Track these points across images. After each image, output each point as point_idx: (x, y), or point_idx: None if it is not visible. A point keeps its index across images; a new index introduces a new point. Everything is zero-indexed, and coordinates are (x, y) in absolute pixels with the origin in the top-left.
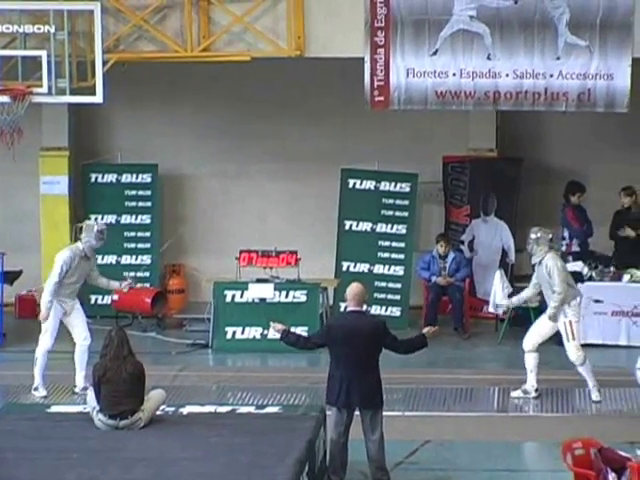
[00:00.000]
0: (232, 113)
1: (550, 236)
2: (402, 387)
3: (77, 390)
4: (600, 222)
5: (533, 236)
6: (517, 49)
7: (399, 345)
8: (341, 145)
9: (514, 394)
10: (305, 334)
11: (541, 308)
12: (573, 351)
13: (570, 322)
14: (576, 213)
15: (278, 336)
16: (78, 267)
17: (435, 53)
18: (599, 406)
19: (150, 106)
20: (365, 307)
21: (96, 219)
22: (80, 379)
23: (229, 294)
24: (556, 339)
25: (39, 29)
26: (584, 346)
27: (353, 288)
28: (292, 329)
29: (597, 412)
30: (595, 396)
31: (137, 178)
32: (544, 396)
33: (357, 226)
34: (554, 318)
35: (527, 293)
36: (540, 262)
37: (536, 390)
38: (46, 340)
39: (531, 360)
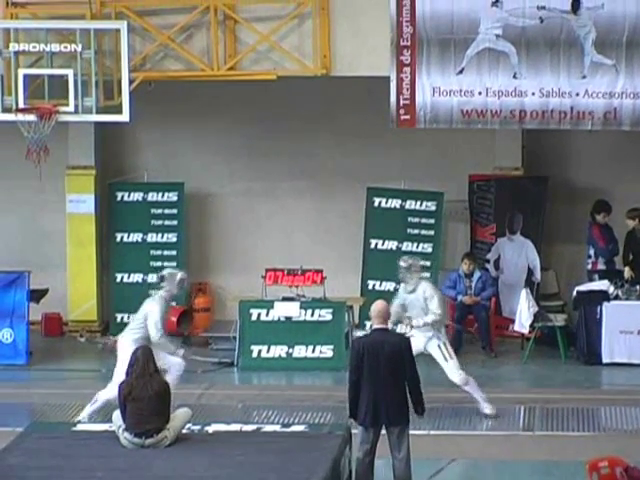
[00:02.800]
0: (258, 131)
1: (420, 264)
2: (428, 406)
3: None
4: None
5: (404, 264)
6: (543, 68)
7: (414, 376)
8: (367, 163)
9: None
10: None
11: (568, 327)
12: (454, 371)
13: (445, 343)
14: (602, 231)
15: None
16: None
17: (461, 72)
18: (620, 424)
19: (176, 125)
20: (391, 326)
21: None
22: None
23: (255, 312)
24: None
25: (66, 48)
26: (610, 365)
27: (377, 305)
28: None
29: (623, 431)
30: (489, 410)
31: (163, 196)
32: (570, 415)
33: (383, 245)
34: (417, 325)
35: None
36: (414, 289)
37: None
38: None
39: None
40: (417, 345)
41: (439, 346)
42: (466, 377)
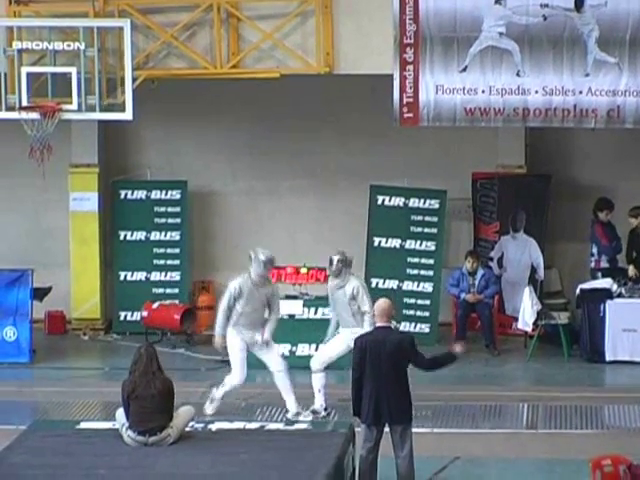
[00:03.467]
0: (261, 130)
1: (351, 259)
2: (431, 404)
3: (290, 415)
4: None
5: (339, 257)
6: (546, 66)
7: (424, 361)
8: (370, 162)
9: (301, 415)
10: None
11: (571, 325)
12: (319, 358)
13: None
14: (605, 229)
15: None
16: (250, 296)
17: (464, 70)
18: (623, 422)
19: (179, 123)
20: (394, 324)
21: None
22: (291, 404)
23: None
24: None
25: (69, 46)
26: (613, 363)
27: (380, 304)
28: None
29: (626, 428)
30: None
31: (166, 195)
32: (573, 413)
33: (386, 243)
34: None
35: (333, 323)
36: (343, 286)
37: (325, 409)
38: (234, 377)
39: (318, 380)
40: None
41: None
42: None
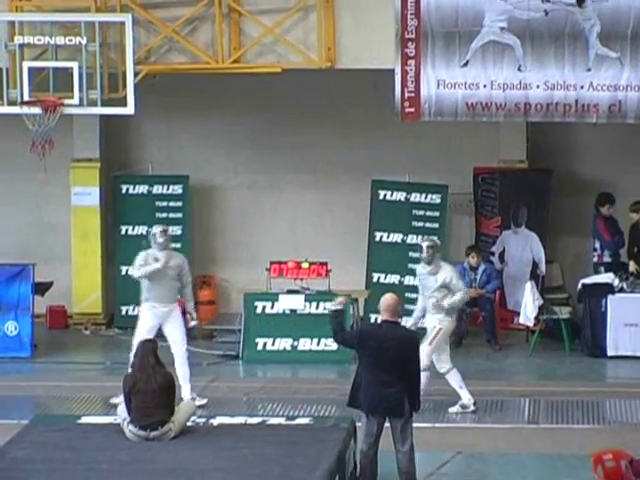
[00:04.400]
0: (263, 124)
1: (439, 244)
2: (433, 398)
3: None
4: None
5: (428, 244)
6: (548, 60)
7: (414, 374)
8: (372, 156)
9: (452, 409)
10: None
11: (572, 320)
12: (425, 355)
13: (440, 329)
14: (607, 224)
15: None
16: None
17: (466, 64)
18: (624, 417)
19: (181, 117)
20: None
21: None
22: (185, 391)
23: (260, 305)
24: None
25: (70, 41)
26: (614, 358)
27: (387, 299)
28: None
29: (628, 423)
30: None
31: (168, 189)
32: (575, 408)
33: (388, 237)
34: (440, 308)
35: (420, 307)
36: (435, 273)
37: (474, 403)
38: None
39: (452, 378)
40: (428, 323)
41: (435, 328)
42: (448, 368)
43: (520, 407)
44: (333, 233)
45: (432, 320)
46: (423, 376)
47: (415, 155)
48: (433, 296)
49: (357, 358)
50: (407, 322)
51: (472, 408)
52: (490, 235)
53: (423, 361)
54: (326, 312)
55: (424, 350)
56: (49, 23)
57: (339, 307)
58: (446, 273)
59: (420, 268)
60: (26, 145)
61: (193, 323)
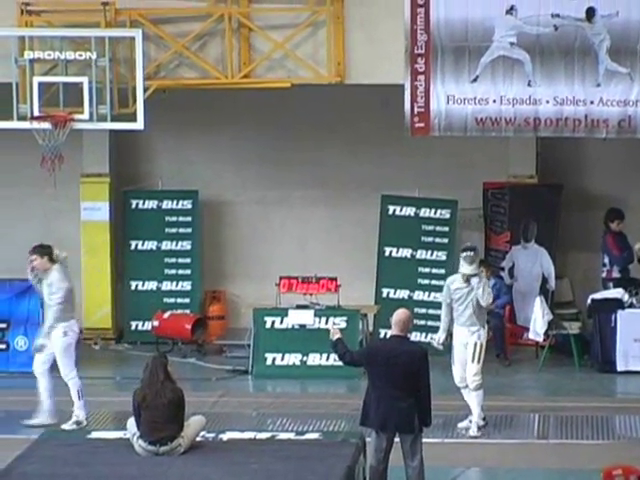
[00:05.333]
0: (272, 140)
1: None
2: (442, 413)
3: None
4: None
5: (471, 253)
6: (557, 76)
7: (423, 389)
8: (381, 171)
9: (461, 425)
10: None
11: (582, 335)
12: (474, 374)
13: (482, 345)
14: (616, 239)
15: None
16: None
17: (475, 80)
18: (634, 433)
19: (191, 132)
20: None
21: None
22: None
23: (269, 320)
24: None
25: (80, 56)
26: (624, 373)
27: (399, 314)
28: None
29: (638, 439)
30: (474, 432)
31: (178, 204)
32: (584, 423)
33: (397, 252)
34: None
35: (446, 319)
36: (471, 278)
37: (483, 419)
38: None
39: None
40: (461, 338)
41: (475, 344)
42: (481, 385)
43: (529, 422)
44: (342, 248)
45: (469, 336)
46: (479, 394)
47: (425, 170)
48: (469, 307)
49: (367, 375)
50: (438, 337)
51: (481, 424)
52: (500, 250)
53: (476, 381)
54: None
55: (474, 369)
56: (59, 38)
57: (338, 336)
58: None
59: (458, 282)
60: (36, 160)
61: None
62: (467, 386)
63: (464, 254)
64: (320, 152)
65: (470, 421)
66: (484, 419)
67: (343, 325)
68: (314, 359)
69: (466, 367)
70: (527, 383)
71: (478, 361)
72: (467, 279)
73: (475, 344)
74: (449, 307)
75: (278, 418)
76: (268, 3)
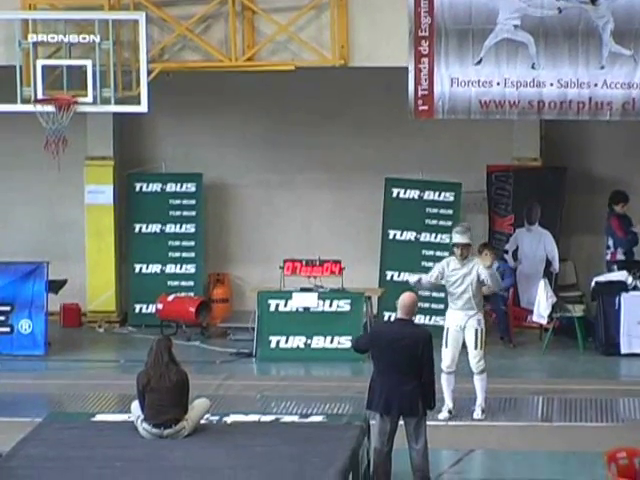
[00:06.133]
0: (276, 122)
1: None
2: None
3: None
4: None
5: (463, 226)
6: (561, 58)
7: (427, 372)
8: (385, 154)
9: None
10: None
11: (586, 318)
12: (478, 359)
13: (482, 330)
14: (621, 222)
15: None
16: None
17: (479, 62)
18: (638, 415)
19: (194, 115)
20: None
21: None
22: None
23: (273, 303)
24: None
25: (84, 39)
26: (628, 355)
27: (404, 298)
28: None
29: None
30: (478, 414)
31: (181, 187)
32: (588, 406)
33: (401, 235)
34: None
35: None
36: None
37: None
38: None
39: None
40: (457, 321)
41: (476, 331)
42: (485, 368)
43: (533, 405)
44: (346, 231)
45: (466, 320)
46: (483, 377)
47: (429, 153)
48: (467, 291)
49: (372, 359)
50: (416, 277)
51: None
52: (504, 233)
53: (481, 365)
54: (339, 310)
55: (478, 355)
56: (63, 21)
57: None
58: (479, 266)
59: (454, 262)
60: (40, 144)
61: None
62: (454, 371)
63: (455, 228)
64: (324, 135)
65: (449, 412)
66: (453, 408)
67: (347, 308)
68: (318, 342)
69: (458, 351)
70: (531, 366)
71: (481, 347)
72: (463, 255)
73: (476, 330)
74: (435, 280)
75: (282, 401)
76: None
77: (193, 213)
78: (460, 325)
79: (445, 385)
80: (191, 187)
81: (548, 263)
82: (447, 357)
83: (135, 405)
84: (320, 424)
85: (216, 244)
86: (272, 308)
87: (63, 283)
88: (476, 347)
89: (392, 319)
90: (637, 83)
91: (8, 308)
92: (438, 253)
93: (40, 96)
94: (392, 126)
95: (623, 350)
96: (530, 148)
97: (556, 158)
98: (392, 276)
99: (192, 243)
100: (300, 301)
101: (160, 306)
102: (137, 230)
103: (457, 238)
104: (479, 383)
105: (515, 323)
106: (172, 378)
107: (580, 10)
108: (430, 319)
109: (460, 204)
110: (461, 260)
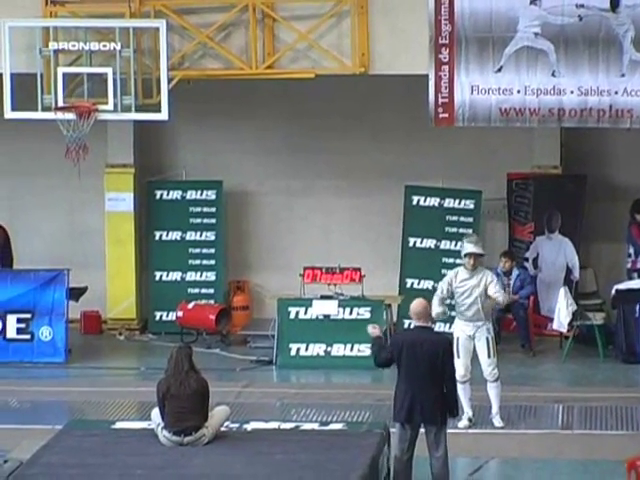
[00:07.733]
0: (296, 130)
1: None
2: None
3: None
4: None
5: (474, 236)
6: (582, 66)
7: (448, 379)
8: (405, 162)
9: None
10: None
11: (606, 326)
12: (492, 367)
13: (493, 339)
14: None
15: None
16: None
17: (499, 70)
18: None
19: (215, 123)
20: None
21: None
22: None
23: (293, 311)
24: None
25: (105, 46)
26: None
27: (416, 305)
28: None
29: None
30: (497, 422)
31: (202, 195)
32: (608, 414)
33: (421, 243)
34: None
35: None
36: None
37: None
38: None
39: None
40: (466, 331)
41: (487, 339)
42: (499, 375)
43: (554, 413)
44: (366, 238)
45: (475, 331)
46: (497, 385)
47: (449, 161)
48: (477, 302)
49: (396, 368)
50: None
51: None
52: (524, 241)
53: (495, 373)
54: (359, 318)
55: (493, 363)
56: (83, 29)
57: (377, 334)
58: (489, 276)
59: (462, 273)
60: (61, 150)
61: None
62: (469, 380)
63: (467, 238)
64: (344, 142)
65: (469, 419)
66: (472, 416)
67: (367, 316)
68: (338, 349)
69: (470, 359)
70: (551, 374)
71: (494, 355)
72: (474, 266)
73: (487, 339)
74: (444, 299)
75: (302, 408)
76: None
77: (213, 220)
78: (469, 333)
79: (462, 394)
80: (211, 194)
81: (568, 271)
82: (461, 367)
83: (155, 412)
84: (340, 432)
85: (236, 251)
86: (292, 315)
87: (84, 290)
88: (489, 355)
89: (411, 326)
90: None
91: (29, 315)
92: (458, 261)
93: (61, 104)
94: (412, 133)
95: None
96: (550, 156)
97: (576, 166)
98: (412, 284)
99: (212, 250)
100: (320, 308)
101: (180, 314)
102: (157, 238)
103: (470, 248)
104: (494, 391)
105: (535, 331)
106: (192, 386)
107: (600, 18)
108: (450, 327)
109: (480, 212)
110: (471, 270)
